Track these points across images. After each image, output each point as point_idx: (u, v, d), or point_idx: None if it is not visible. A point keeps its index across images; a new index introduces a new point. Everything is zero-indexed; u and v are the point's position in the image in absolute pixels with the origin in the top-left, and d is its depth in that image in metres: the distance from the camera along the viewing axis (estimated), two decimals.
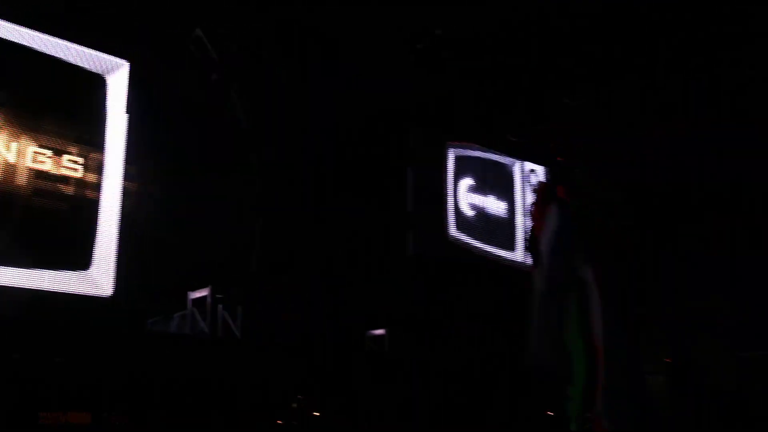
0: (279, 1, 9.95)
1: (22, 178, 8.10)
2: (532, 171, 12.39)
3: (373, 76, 10.63)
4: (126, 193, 8.88)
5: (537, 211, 4.47)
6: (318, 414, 8.84)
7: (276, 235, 9.78)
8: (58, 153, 8.44)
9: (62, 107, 8.86)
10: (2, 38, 8.29)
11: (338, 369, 8.89)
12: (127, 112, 9.10)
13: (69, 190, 8.58)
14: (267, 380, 8.27)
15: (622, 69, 10.75)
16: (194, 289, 9.16)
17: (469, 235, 11.33)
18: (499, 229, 11.82)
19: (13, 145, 8.09)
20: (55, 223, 8.53)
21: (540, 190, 4.68)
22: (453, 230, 11.54)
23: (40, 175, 8.23)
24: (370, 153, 10.89)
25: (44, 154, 8.27)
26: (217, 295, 8.93)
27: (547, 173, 4.72)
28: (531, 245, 4.43)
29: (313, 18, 10.08)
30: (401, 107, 10.81)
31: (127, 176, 8.88)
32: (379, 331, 9.99)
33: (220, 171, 9.98)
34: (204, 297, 8.98)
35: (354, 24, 10.24)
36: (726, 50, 10.33)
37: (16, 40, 8.42)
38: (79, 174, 8.60)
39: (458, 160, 11.81)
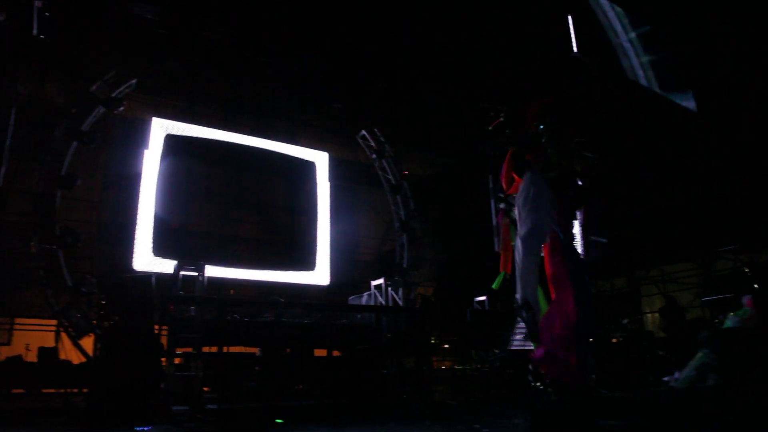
0: None
1: None
2: None
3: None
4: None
5: (506, 172, 4.68)
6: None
7: (415, 246, 11.96)
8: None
9: (290, 180, 12.07)
10: (261, 147, 11.61)
11: (458, 317, 10.57)
12: (329, 180, 12.18)
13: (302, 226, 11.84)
14: (418, 324, 9.88)
15: None
16: (375, 279, 10.73)
17: None
18: None
19: None
20: (299, 247, 11.78)
21: (510, 155, 4.67)
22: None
23: None
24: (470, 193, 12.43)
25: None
26: (387, 282, 10.38)
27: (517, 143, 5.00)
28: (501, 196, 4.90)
29: None
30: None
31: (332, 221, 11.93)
32: (482, 297, 11.03)
33: (382, 211, 13.08)
34: (380, 284, 10.48)
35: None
36: None
37: (267, 148, 11.68)
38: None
39: None
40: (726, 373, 3.88)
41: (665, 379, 4.74)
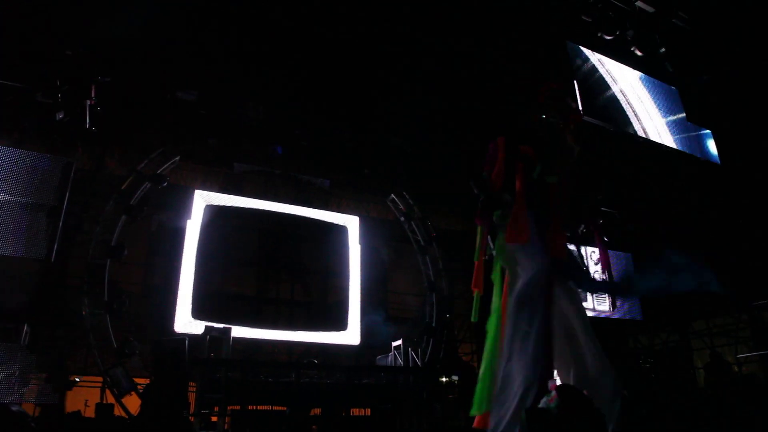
0: None
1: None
2: None
3: None
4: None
5: (500, 161, 3.83)
6: None
7: (443, 305, 12.49)
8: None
9: (324, 243, 12.96)
10: (295, 214, 12.50)
11: None
12: (359, 243, 12.98)
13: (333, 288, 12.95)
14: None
15: None
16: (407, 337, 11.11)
17: None
18: None
19: None
20: (333, 310, 12.54)
21: (501, 143, 3.89)
22: None
23: None
24: None
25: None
26: (406, 343, 10.88)
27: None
28: (481, 186, 3.87)
29: None
30: None
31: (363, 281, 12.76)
32: None
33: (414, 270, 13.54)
34: (399, 344, 10.90)
35: None
36: None
37: (302, 214, 12.64)
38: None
39: None
40: None
41: None
